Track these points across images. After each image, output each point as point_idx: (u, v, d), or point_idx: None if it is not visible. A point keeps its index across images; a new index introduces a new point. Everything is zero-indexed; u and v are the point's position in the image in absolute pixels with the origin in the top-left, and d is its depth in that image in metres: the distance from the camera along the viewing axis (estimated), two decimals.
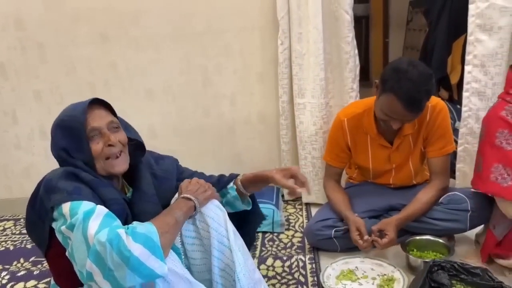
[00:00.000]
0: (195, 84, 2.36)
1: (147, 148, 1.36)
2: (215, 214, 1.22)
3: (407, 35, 3.76)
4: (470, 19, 2.00)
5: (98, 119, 1.17)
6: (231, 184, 1.45)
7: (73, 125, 1.14)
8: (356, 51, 2.14)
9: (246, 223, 1.51)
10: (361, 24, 5.37)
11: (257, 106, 2.38)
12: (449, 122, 1.75)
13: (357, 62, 2.16)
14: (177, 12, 2.25)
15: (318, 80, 2.12)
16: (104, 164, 1.18)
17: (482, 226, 1.72)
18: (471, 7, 1.98)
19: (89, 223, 0.99)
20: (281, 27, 2.12)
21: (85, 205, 1.03)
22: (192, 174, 1.43)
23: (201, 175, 1.44)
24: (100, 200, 1.10)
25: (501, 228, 1.55)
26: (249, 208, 1.48)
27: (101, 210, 1.04)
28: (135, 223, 1.02)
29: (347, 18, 2.06)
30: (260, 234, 2.08)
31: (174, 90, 2.37)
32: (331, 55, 2.15)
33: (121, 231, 0.96)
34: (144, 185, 1.26)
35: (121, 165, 1.20)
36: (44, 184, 1.11)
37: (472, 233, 1.80)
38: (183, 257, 1.24)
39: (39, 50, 2.33)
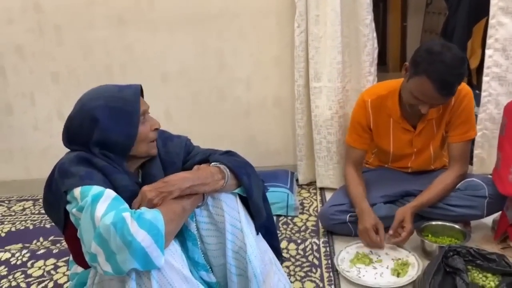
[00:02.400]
0: (211, 67, 2.35)
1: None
2: (228, 197, 1.22)
3: (426, 19, 3.69)
4: (493, 2, 1.95)
5: (143, 104, 1.22)
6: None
7: (127, 108, 1.16)
8: (375, 34, 2.11)
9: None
10: (379, 8, 5.27)
11: (272, 90, 2.37)
12: (473, 107, 1.72)
13: (375, 45, 2.12)
14: None
15: (335, 63, 2.10)
16: (148, 147, 1.22)
17: (499, 212, 1.70)
18: None
19: (97, 205, 1.01)
20: (298, 9, 2.09)
21: (95, 189, 1.05)
22: (200, 153, 1.36)
23: (207, 152, 1.36)
24: (112, 186, 1.11)
25: None
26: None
27: (110, 193, 1.06)
28: (143, 208, 1.03)
29: (366, 0, 2.02)
30: (274, 218, 2.08)
31: (190, 73, 2.37)
32: (348, 38, 2.12)
33: (127, 215, 0.97)
34: (154, 170, 1.26)
35: (156, 148, 1.26)
36: (59, 168, 1.13)
37: (488, 219, 1.78)
38: (199, 243, 1.25)
39: (56, 33, 2.35)
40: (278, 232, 1.94)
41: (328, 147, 2.25)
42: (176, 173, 1.17)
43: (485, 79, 2.06)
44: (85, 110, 1.16)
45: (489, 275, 1.37)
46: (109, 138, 1.15)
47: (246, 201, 1.26)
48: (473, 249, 1.42)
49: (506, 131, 1.52)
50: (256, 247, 1.19)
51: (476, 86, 2.62)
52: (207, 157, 1.29)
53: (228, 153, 1.34)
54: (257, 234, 1.23)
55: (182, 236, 1.25)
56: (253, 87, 2.37)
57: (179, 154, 1.32)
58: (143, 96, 1.28)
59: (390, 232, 1.64)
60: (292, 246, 1.81)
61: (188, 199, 1.14)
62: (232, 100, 2.40)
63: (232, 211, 1.21)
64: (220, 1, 2.24)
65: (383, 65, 4.98)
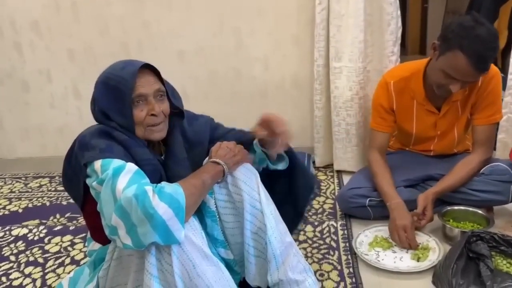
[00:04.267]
0: (228, 46, 2.31)
1: None
2: (247, 177, 1.20)
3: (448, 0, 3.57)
4: None
5: (147, 85, 1.13)
6: (255, 141, 1.36)
7: (120, 87, 1.11)
8: (399, 12, 2.04)
9: (292, 192, 1.40)
10: None
11: (291, 69, 2.32)
12: (501, 89, 1.66)
13: (399, 24, 2.05)
14: None
15: (356, 42, 2.04)
16: (145, 131, 1.17)
17: None
18: None
19: (118, 178, 1.00)
20: None
21: (116, 162, 1.04)
22: (225, 134, 1.36)
23: (235, 134, 1.35)
24: (133, 159, 1.10)
25: None
26: (284, 167, 1.36)
27: (132, 167, 1.05)
28: (163, 183, 1.02)
29: None
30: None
31: (206, 52, 2.34)
32: (371, 16, 2.05)
33: (149, 188, 0.97)
34: (176, 149, 1.25)
35: (160, 133, 1.19)
36: (79, 141, 1.12)
37: (511, 205, 1.73)
38: (217, 219, 1.24)
39: (73, 9, 2.32)
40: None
41: (347, 129, 2.20)
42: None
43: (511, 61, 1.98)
44: (96, 83, 1.17)
45: None
46: (109, 115, 1.14)
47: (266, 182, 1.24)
48: (497, 235, 1.38)
49: None
50: (276, 228, 1.17)
51: (502, 69, 2.54)
52: (234, 139, 1.27)
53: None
54: (273, 213, 1.20)
55: (200, 212, 1.24)
56: (271, 66, 2.33)
57: (205, 133, 1.32)
58: (162, 79, 1.20)
59: (415, 218, 1.60)
60: (309, 228, 1.79)
61: (208, 174, 1.12)
62: (249, 80, 2.36)
63: (252, 191, 1.19)
64: None
65: (402, 47, 4.85)
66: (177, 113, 1.26)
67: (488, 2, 2.55)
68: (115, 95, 1.12)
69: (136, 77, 1.12)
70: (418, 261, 1.49)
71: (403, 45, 5.01)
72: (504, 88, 2.07)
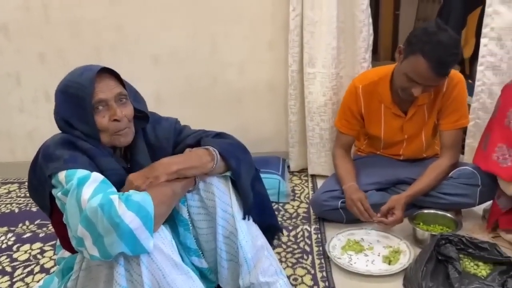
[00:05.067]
0: (203, 51, 2.30)
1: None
2: (219, 182, 1.20)
3: (420, 7, 3.67)
4: None
5: (106, 90, 1.09)
6: None
7: (79, 94, 1.07)
8: (370, 20, 2.08)
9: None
10: None
11: (265, 74, 2.33)
12: (466, 95, 1.72)
13: (371, 31, 2.10)
14: None
15: (329, 49, 2.07)
16: (110, 138, 1.13)
17: (490, 201, 1.71)
18: None
19: (83, 188, 0.98)
20: None
21: (80, 172, 1.02)
22: (187, 137, 1.32)
23: (195, 136, 1.31)
24: (98, 169, 1.08)
25: (504, 201, 1.55)
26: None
27: (97, 176, 1.03)
28: (131, 191, 1.00)
29: None
30: None
31: (181, 56, 2.32)
32: (344, 23, 2.08)
33: (114, 197, 0.95)
34: (140, 156, 1.22)
35: (126, 138, 1.15)
36: (43, 152, 1.09)
37: (479, 208, 1.79)
38: (190, 227, 1.23)
39: (44, 11, 2.27)
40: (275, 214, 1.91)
41: (321, 134, 2.23)
42: (164, 157, 1.13)
43: (479, 68, 2.04)
44: (55, 92, 1.14)
45: (480, 263, 1.38)
46: (72, 123, 1.11)
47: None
48: (465, 238, 1.42)
49: (497, 113, 1.54)
50: (248, 232, 1.18)
51: (469, 75, 2.62)
52: (199, 140, 1.26)
53: (220, 135, 1.30)
54: (246, 218, 1.20)
55: (173, 221, 1.23)
56: (246, 71, 2.33)
57: (168, 139, 1.27)
58: (122, 82, 1.16)
59: (378, 214, 1.64)
60: (283, 232, 1.80)
61: (179, 183, 1.11)
62: (224, 85, 2.36)
63: (224, 195, 1.19)
64: None
65: (374, 53, 4.93)
66: (141, 117, 1.23)
67: (456, 11, 2.63)
68: (75, 102, 1.08)
69: (95, 82, 1.08)
70: (389, 264, 1.52)
71: (375, 51, 5.09)
72: (471, 94, 2.14)
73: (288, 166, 2.42)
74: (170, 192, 1.08)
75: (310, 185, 2.28)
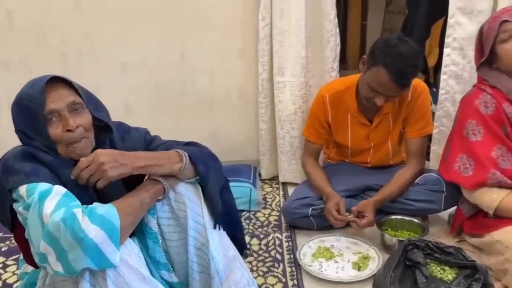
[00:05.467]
0: (173, 58, 2.29)
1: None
2: (190, 192, 1.19)
3: (386, 18, 3.77)
4: (451, 2, 2.00)
5: (58, 100, 1.06)
6: None
7: (30, 105, 1.04)
8: (338, 30, 2.12)
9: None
10: (339, 5, 5.30)
11: (236, 83, 2.33)
12: (429, 103, 1.78)
13: (338, 41, 2.14)
14: None
15: (298, 58, 2.09)
16: (66, 149, 1.10)
17: (455, 207, 1.76)
18: None
19: (45, 202, 0.94)
20: (263, 2, 2.07)
21: (42, 186, 0.99)
22: (157, 147, 1.29)
23: (166, 146, 1.28)
24: (60, 182, 1.04)
25: (467, 207, 1.59)
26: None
27: (59, 189, 0.99)
28: (95, 204, 0.97)
29: None
30: None
31: (151, 64, 2.30)
32: (312, 33, 2.11)
33: (77, 210, 0.92)
34: None
35: (83, 150, 1.11)
36: (2, 165, 1.05)
37: (444, 213, 1.84)
38: (160, 240, 1.20)
39: (7, 17, 2.20)
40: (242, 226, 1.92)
41: (291, 142, 2.25)
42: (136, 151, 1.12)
43: (442, 77, 2.11)
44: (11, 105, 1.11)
45: (446, 268, 1.41)
46: (29, 136, 1.08)
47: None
48: (431, 243, 1.46)
49: (456, 125, 1.59)
50: (219, 243, 1.17)
51: (434, 84, 2.70)
52: (168, 147, 1.24)
53: (190, 143, 1.29)
54: (217, 228, 1.19)
55: (142, 234, 1.20)
56: (217, 80, 2.33)
57: (138, 149, 1.24)
58: (77, 90, 1.12)
59: (352, 216, 1.66)
60: (254, 241, 1.79)
61: (147, 192, 1.09)
62: (194, 93, 2.35)
63: (195, 206, 1.18)
64: None
65: (342, 63, 5.03)
66: (104, 127, 1.20)
67: (420, 21, 2.71)
68: (27, 114, 1.06)
69: (45, 93, 1.05)
70: (358, 270, 1.54)
71: (344, 60, 5.21)
72: (435, 102, 2.21)
73: (260, 174, 2.42)
74: (137, 202, 1.05)
75: (281, 192, 2.29)
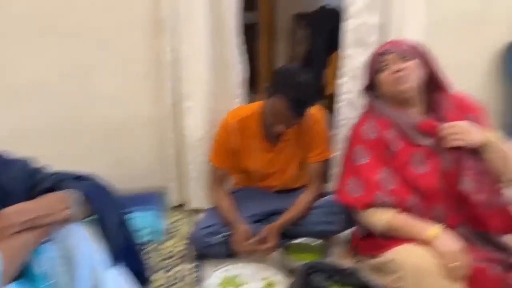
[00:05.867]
0: (71, 82, 2.15)
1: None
2: (83, 229, 1.11)
3: (291, 47, 3.95)
4: (345, 34, 2.15)
5: None
6: None
7: None
8: (244, 57, 2.17)
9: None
10: (250, 32, 5.47)
11: (141, 107, 2.25)
12: (327, 129, 1.88)
13: (244, 67, 2.18)
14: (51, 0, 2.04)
15: (205, 83, 2.10)
16: None
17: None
18: (346, 23, 2.13)
19: None
20: (167, 26, 2.05)
21: None
22: (49, 179, 1.16)
23: (57, 177, 1.17)
24: None
25: (360, 228, 1.67)
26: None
27: None
28: None
29: (233, 23, 2.07)
30: (141, 244, 1.97)
31: (47, 88, 2.13)
32: (218, 59, 2.13)
33: None
34: None
35: None
36: None
37: (346, 234, 1.92)
38: (48, 283, 1.10)
39: None
40: (145, 259, 1.83)
41: (200, 168, 2.22)
42: (16, 204, 1.01)
43: (339, 104, 2.25)
44: None
45: None
46: None
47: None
48: (331, 265, 1.51)
49: (346, 151, 1.70)
50: (114, 283, 1.09)
51: (332, 111, 2.87)
52: (57, 183, 1.14)
53: (81, 177, 1.20)
54: (113, 267, 1.12)
55: (26, 276, 1.09)
56: (120, 104, 2.23)
57: (20, 182, 1.12)
58: None
59: (254, 242, 1.68)
60: (161, 274, 1.72)
61: (31, 233, 0.99)
62: (96, 119, 2.22)
63: (87, 244, 1.09)
64: (82, 12, 2.07)
65: (253, 87, 5.17)
66: None
67: (320, 52, 2.90)
68: None
69: None
70: None
71: (254, 85, 5.35)
72: (335, 127, 2.33)
73: (168, 202, 2.35)
74: (20, 244, 0.96)
75: (190, 220, 2.24)
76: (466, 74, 2.38)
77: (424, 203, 1.54)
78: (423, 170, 1.55)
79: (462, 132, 1.49)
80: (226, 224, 1.78)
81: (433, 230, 1.44)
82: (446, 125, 1.52)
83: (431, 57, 1.62)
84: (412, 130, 1.57)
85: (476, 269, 1.38)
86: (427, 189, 1.54)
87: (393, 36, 2.13)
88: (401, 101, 1.59)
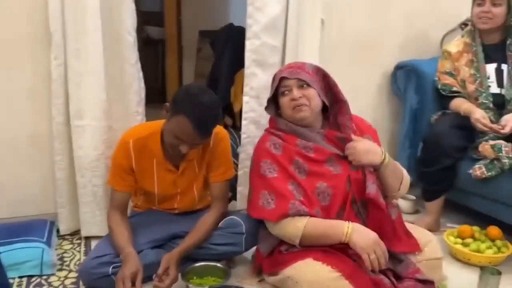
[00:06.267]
0: None
1: None
2: None
3: (198, 63, 3.93)
4: (247, 54, 2.17)
5: None
6: None
7: None
8: (141, 74, 2.07)
9: None
10: (158, 48, 5.37)
11: (25, 126, 2.04)
12: (230, 148, 1.86)
13: (142, 85, 2.09)
14: None
15: (99, 101, 1.96)
16: None
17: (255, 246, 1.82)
18: (248, 43, 2.15)
19: None
20: (54, 40, 1.89)
21: None
22: None
23: None
24: None
25: (264, 245, 1.68)
26: None
27: None
28: None
29: (130, 39, 1.98)
30: (24, 280, 1.75)
31: None
32: (114, 76, 2.01)
33: None
34: None
35: None
36: None
37: (249, 253, 1.89)
38: None
39: None
40: None
41: (95, 191, 2.06)
42: None
43: (243, 122, 2.25)
44: None
45: None
46: None
47: None
48: (233, 286, 1.46)
49: (253, 166, 1.72)
50: None
51: (240, 128, 2.87)
52: None
53: None
54: None
55: None
56: (2, 123, 2.00)
57: None
58: None
59: (156, 279, 1.56)
60: None
61: None
62: None
63: None
64: None
65: (164, 104, 5.04)
66: None
67: (225, 70, 2.90)
68: None
69: None
70: None
71: (164, 101, 5.22)
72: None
73: (58, 230, 2.14)
74: None
75: (83, 249, 2.05)
76: (360, 95, 2.54)
77: (331, 210, 1.60)
78: (336, 172, 1.63)
79: (362, 153, 1.59)
80: (118, 254, 1.64)
81: (347, 227, 1.49)
82: (349, 145, 1.61)
83: (332, 81, 1.71)
84: (319, 140, 1.66)
85: (373, 281, 1.44)
86: (339, 190, 1.60)
87: (289, 59, 2.20)
88: (302, 124, 1.68)
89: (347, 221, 1.53)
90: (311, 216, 1.56)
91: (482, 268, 1.67)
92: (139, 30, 2.13)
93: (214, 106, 1.59)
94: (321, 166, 1.64)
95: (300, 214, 1.55)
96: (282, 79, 1.66)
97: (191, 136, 1.57)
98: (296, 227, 1.55)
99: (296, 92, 1.63)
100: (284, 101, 1.67)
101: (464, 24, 2.59)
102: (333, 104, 1.73)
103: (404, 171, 1.76)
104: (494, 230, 2.01)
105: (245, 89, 2.23)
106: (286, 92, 1.66)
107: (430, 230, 1.90)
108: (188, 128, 1.54)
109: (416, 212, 2.50)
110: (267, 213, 1.61)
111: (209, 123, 1.59)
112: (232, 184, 2.02)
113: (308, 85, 1.64)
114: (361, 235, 1.48)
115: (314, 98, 1.65)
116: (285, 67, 1.76)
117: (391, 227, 1.62)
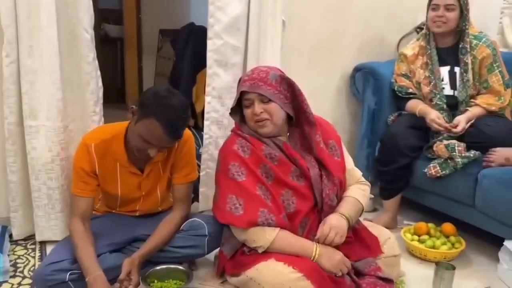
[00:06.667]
0: None
1: None
2: None
3: (158, 62, 3.86)
4: (209, 54, 2.15)
5: None
6: None
7: None
8: (99, 73, 2.01)
9: None
10: (116, 46, 5.25)
11: None
12: (194, 150, 1.84)
13: (100, 84, 2.03)
14: None
15: (54, 100, 1.88)
16: None
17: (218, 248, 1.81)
18: (209, 43, 2.14)
19: None
20: (6, 36, 1.80)
21: None
22: None
23: None
24: None
25: (228, 248, 1.67)
26: None
27: None
28: None
29: (87, 37, 1.91)
30: None
31: None
32: (70, 74, 1.94)
33: None
34: None
35: None
36: None
37: (211, 255, 1.88)
38: None
39: None
40: None
41: (49, 194, 1.97)
42: None
43: (206, 122, 2.23)
44: None
45: None
46: None
47: None
48: None
49: (220, 168, 1.69)
50: None
51: (202, 128, 2.85)
52: None
53: None
54: None
55: None
56: None
57: None
58: None
59: (117, 285, 1.52)
60: None
61: None
62: None
63: None
64: None
65: (122, 103, 4.95)
66: None
67: (186, 69, 2.86)
68: None
69: None
70: None
71: (123, 100, 5.11)
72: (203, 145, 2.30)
73: (11, 235, 2.04)
74: None
75: (38, 254, 1.97)
76: (320, 96, 2.59)
77: (295, 218, 1.61)
78: (300, 184, 1.64)
79: (334, 234, 1.56)
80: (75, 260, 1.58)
81: (314, 251, 1.54)
82: (319, 235, 1.58)
83: (297, 90, 1.67)
84: (284, 150, 1.66)
85: (333, 280, 1.47)
86: (303, 200, 1.62)
87: (251, 59, 2.20)
88: (266, 137, 1.67)
89: (314, 243, 1.56)
90: (279, 224, 1.56)
91: (437, 264, 1.74)
92: (97, 27, 2.07)
93: (183, 109, 1.57)
94: (285, 175, 1.64)
95: (269, 223, 1.55)
96: (244, 91, 1.62)
97: (161, 139, 1.54)
98: (265, 238, 1.55)
99: (257, 108, 1.60)
100: (247, 113, 1.65)
101: (419, 28, 2.69)
102: (299, 113, 1.69)
103: (361, 194, 1.75)
104: (448, 227, 2.09)
105: (207, 89, 2.21)
106: (248, 104, 1.64)
107: (387, 228, 1.95)
108: (158, 131, 1.51)
109: (374, 210, 2.57)
110: (234, 219, 1.58)
111: (179, 125, 1.57)
112: (194, 186, 1.99)
113: (270, 100, 1.60)
114: (327, 257, 1.53)
115: (276, 112, 1.62)
116: (248, 75, 1.66)
117: (356, 234, 1.67)
